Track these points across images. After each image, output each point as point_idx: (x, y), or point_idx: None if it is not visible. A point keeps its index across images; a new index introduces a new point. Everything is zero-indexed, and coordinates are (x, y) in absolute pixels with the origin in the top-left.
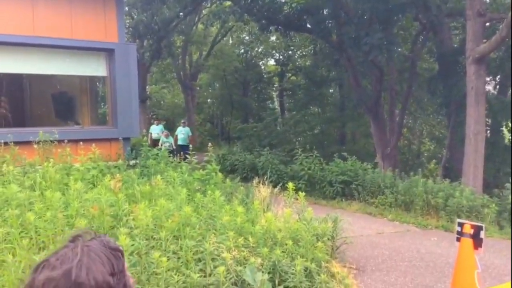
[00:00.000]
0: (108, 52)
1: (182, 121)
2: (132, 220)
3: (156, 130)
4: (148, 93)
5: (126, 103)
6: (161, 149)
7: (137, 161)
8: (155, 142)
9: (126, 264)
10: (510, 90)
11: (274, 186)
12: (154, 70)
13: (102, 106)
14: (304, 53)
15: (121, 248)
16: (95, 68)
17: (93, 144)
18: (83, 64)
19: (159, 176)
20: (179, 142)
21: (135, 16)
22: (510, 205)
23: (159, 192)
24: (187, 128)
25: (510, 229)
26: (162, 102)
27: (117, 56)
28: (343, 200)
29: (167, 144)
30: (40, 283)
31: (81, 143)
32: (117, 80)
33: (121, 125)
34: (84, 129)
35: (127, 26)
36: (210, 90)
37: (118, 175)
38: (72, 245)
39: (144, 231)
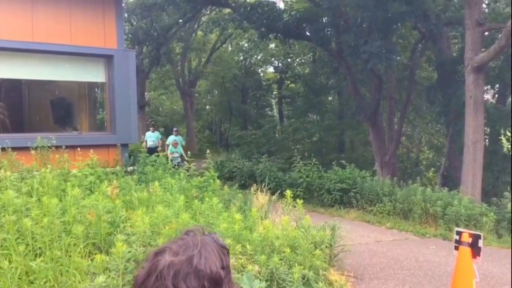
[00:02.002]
0: (107, 58)
1: (174, 129)
2: (129, 226)
3: (152, 137)
4: (147, 99)
5: (125, 109)
6: (171, 160)
7: (135, 168)
8: (150, 150)
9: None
10: (510, 99)
11: (272, 194)
12: (153, 77)
13: (101, 112)
14: (303, 60)
15: (227, 246)
16: (94, 74)
17: (91, 150)
18: (82, 70)
19: (156, 183)
20: None
21: (135, 23)
22: (510, 214)
23: (157, 199)
24: (180, 137)
25: (508, 238)
26: (160, 108)
27: (116, 62)
28: (341, 208)
29: (176, 155)
30: (165, 265)
31: (79, 149)
32: (116, 86)
33: (119, 132)
34: (82, 135)
35: (126, 33)
36: (209, 97)
37: (115, 181)
38: (189, 237)
39: (141, 238)
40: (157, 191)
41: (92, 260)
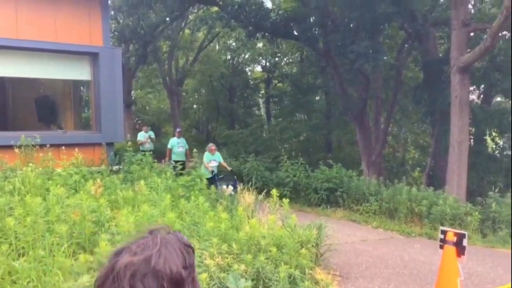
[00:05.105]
0: (92, 56)
1: (178, 129)
2: (114, 226)
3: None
4: (133, 98)
5: (110, 108)
6: (213, 171)
7: (121, 167)
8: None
9: (196, 261)
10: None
11: (259, 193)
12: (140, 75)
13: (86, 111)
14: (290, 60)
15: (192, 245)
16: (79, 72)
17: (76, 149)
18: (67, 67)
19: (142, 182)
20: (177, 158)
21: (121, 20)
22: (494, 213)
23: (143, 198)
24: (183, 139)
25: (492, 237)
26: (147, 107)
27: (102, 60)
28: (328, 207)
29: (215, 163)
30: (122, 265)
31: (63, 147)
32: (102, 84)
33: (104, 130)
34: (67, 134)
35: (112, 30)
36: (196, 96)
37: (98, 180)
38: (151, 236)
39: (126, 237)
40: (143, 190)
41: (76, 260)
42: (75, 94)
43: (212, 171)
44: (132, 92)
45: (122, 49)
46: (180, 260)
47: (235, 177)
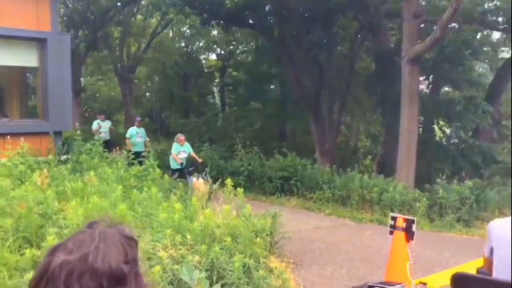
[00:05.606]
0: (40, 42)
1: (137, 119)
2: (62, 219)
3: (103, 128)
4: (82, 85)
5: (58, 95)
6: (182, 163)
7: (69, 156)
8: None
9: (140, 254)
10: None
11: (214, 182)
12: (90, 62)
13: (33, 99)
14: (246, 48)
15: (135, 237)
16: (25, 58)
17: (22, 138)
18: (13, 53)
19: (92, 172)
20: (135, 149)
21: (70, 5)
22: (441, 199)
23: (92, 189)
24: (143, 129)
25: (439, 222)
26: (97, 95)
27: (50, 46)
28: (282, 195)
29: (184, 155)
30: (56, 265)
31: (8, 137)
32: (49, 71)
33: (52, 118)
34: (12, 122)
35: (61, 15)
36: (149, 84)
37: (45, 170)
38: (89, 231)
39: (75, 230)
40: (93, 181)
41: (22, 255)
42: (21, 81)
43: (182, 163)
44: (82, 79)
45: (71, 35)
46: (121, 254)
47: (206, 169)
